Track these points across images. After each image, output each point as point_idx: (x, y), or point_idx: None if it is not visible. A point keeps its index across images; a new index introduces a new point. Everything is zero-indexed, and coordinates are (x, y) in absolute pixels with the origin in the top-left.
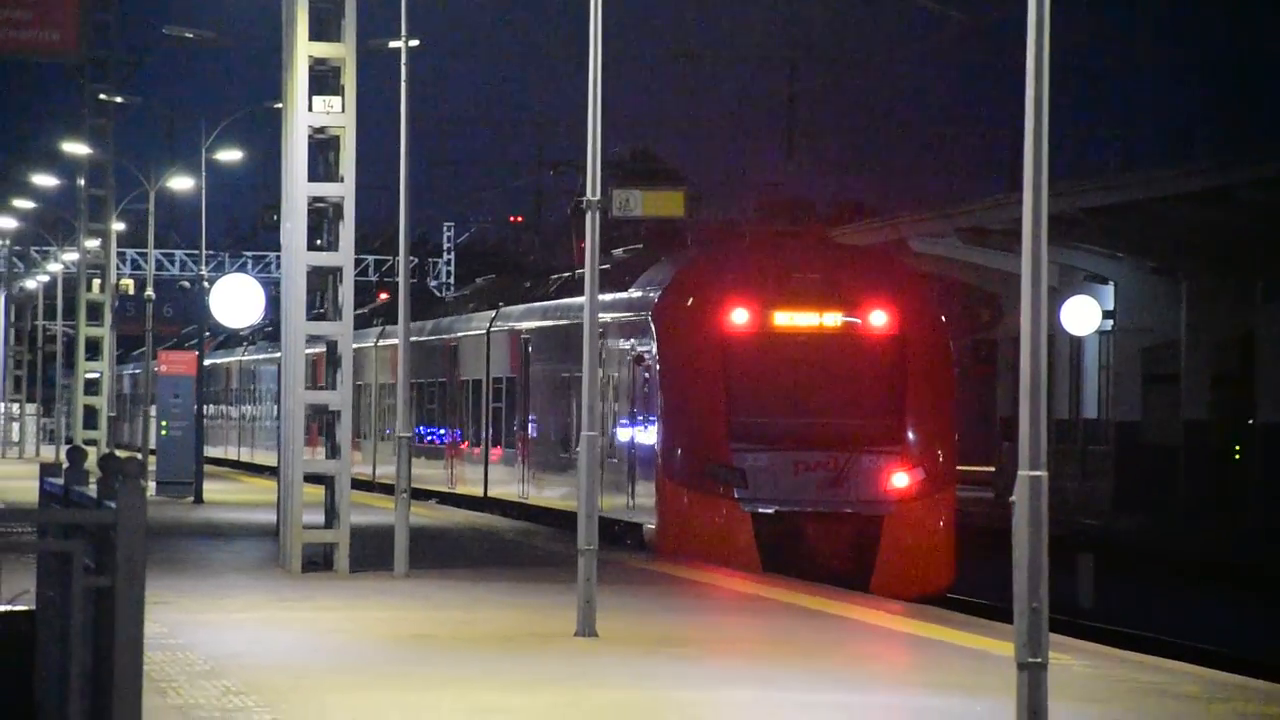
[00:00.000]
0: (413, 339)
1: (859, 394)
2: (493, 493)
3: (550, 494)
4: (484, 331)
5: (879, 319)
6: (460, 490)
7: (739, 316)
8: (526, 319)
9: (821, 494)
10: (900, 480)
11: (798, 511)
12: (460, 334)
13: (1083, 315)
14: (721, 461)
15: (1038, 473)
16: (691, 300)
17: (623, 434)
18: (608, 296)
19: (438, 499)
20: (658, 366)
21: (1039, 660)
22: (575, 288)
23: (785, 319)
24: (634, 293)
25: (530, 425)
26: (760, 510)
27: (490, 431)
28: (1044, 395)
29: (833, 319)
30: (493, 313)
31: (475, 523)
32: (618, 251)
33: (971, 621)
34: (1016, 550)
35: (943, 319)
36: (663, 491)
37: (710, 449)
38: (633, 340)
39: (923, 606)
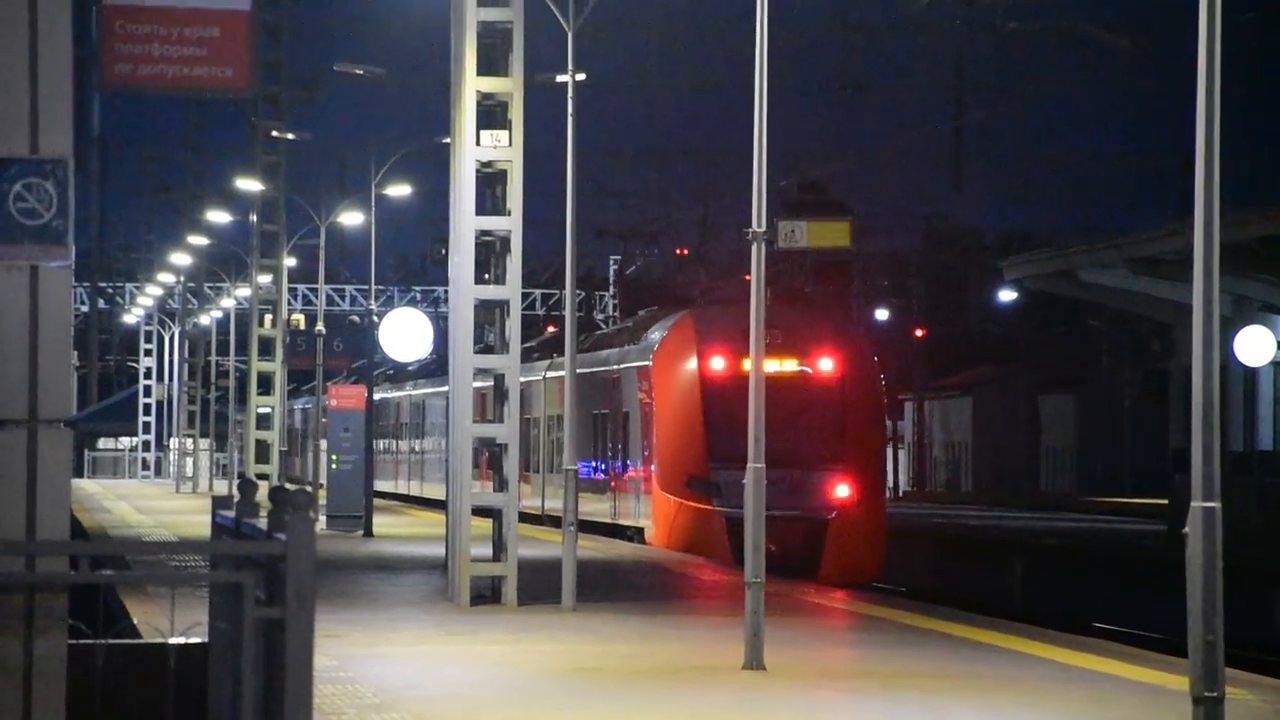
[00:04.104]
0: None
1: (809, 424)
2: (548, 508)
3: (587, 510)
4: (541, 378)
5: (825, 365)
6: (523, 509)
7: (716, 363)
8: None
9: (780, 501)
10: (841, 491)
11: None
12: (525, 379)
13: (1257, 346)
14: (702, 476)
15: (1211, 504)
16: (680, 350)
17: (631, 458)
18: (625, 348)
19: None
20: (654, 403)
21: (1214, 694)
22: (600, 344)
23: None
24: (641, 344)
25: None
26: (732, 514)
27: (545, 458)
28: (1217, 426)
29: (790, 365)
30: (548, 361)
31: (640, 555)
32: (642, 312)
33: (1145, 656)
34: (1190, 583)
35: (876, 364)
36: (657, 500)
37: (693, 466)
38: (638, 382)
39: (1093, 640)
